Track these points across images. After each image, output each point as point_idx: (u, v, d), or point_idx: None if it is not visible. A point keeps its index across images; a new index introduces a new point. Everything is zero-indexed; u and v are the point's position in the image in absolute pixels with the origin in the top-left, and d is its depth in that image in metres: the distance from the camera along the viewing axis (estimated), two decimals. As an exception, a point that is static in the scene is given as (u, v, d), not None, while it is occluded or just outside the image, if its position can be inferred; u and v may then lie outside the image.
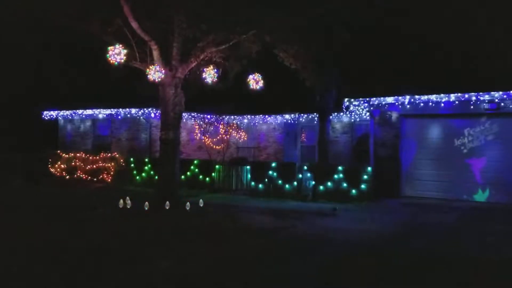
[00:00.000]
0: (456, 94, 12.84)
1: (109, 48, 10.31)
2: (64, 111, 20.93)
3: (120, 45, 10.32)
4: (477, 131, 13.07)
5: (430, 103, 13.33)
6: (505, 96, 12.38)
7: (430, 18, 13.80)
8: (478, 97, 12.65)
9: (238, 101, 18.82)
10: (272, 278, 6.00)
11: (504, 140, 12.77)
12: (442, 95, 13.00)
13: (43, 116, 21.71)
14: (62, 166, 19.02)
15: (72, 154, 19.03)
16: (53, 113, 21.44)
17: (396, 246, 7.83)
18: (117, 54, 10.23)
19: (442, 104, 13.17)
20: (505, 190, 12.59)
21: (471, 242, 8.20)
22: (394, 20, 14.02)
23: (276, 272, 6.26)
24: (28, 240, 7.96)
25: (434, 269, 6.42)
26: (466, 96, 12.74)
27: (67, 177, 18.69)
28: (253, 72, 11.47)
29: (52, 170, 19.28)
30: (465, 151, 13.22)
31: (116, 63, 10.29)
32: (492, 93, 12.44)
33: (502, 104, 12.56)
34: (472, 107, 12.88)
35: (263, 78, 11.54)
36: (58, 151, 19.75)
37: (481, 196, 12.86)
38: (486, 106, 12.73)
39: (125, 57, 10.36)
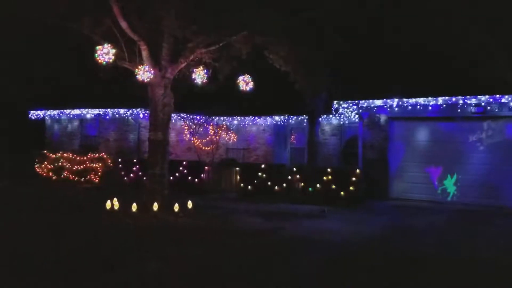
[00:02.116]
0: (443, 98, 12.97)
1: (98, 47, 10.21)
2: (51, 110, 20.73)
3: (109, 45, 10.23)
4: (463, 134, 13.24)
5: (418, 106, 13.44)
6: (491, 100, 12.53)
7: (419, 22, 13.92)
8: (465, 100, 12.79)
9: (228, 102, 18.80)
10: (260, 279, 6.00)
11: (489, 143, 12.93)
12: (430, 98, 13.12)
13: (29, 115, 21.48)
14: (49, 166, 18.82)
15: (59, 154, 18.83)
16: (40, 113, 21.22)
17: (383, 247, 7.88)
18: (105, 53, 10.12)
19: (430, 107, 13.29)
20: (491, 193, 12.73)
21: (456, 243, 8.29)
22: (383, 24, 14.12)
23: (264, 273, 6.26)
24: (8, 243, 7.86)
25: (418, 270, 6.47)
26: (454, 99, 12.87)
27: (54, 177, 18.49)
28: (243, 74, 11.47)
29: (38, 170, 19.06)
30: (452, 155, 13.36)
31: (104, 62, 10.22)
32: (479, 96, 12.59)
33: (489, 108, 12.72)
34: (459, 110, 13.01)
35: (253, 80, 11.55)
36: (45, 151, 19.53)
37: (466, 198, 12.98)
38: (473, 109, 12.88)
39: (113, 57, 10.28)
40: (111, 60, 10.22)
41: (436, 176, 13.54)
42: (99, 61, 10.18)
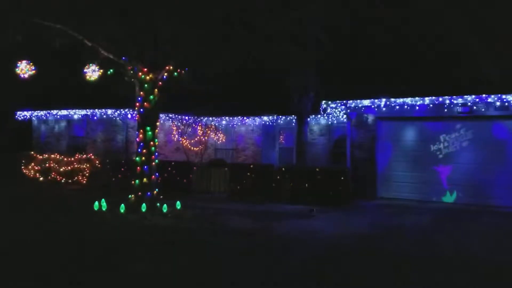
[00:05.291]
0: (430, 98, 13.08)
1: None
2: (38, 111, 20.54)
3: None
4: (452, 136, 13.37)
5: (406, 106, 13.55)
6: (477, 100, 12.67)
7: (406, 23, 14.04)
8: (452, 100, 12.92)
9: (216, 102, 18.79)
10: (246, 278, 6.01)
11: (475, 143, 13.07)
12: (417, 98, 13.22)
13: (16, 116, 21.26)
14: (36, 167, 18.63)
15: (46, 155, 18.66)
16: (27, 113, 21.02)
17: (370, 247, 7.93)
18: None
19: (417, 107, 13.40)
20: (475, 192, 12.87)
21: (442, 242, 8.37)
22: (371, 25, 14.21)
23: (250, 272, 6.27)
24: None
25: (404, 269, 6.53)
26: (440, 99, 12.99)
27: (41, 178, 18.31)
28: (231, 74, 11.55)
29: (25, 171, 18.87)
30: (439, 155, 13.49)
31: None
32: (465, 96, 12.71)
33: (475, 107, 12.86)
34: (446, 110, 13.14)
35: (242, 80, 11.63)
36: (32, 152, 19.35)
37: (453, 198, 13.12)
38: (459, 109, 13.02)
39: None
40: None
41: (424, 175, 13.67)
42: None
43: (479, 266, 6.76)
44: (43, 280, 5.83)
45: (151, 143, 11.28)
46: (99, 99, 17.98)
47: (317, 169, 13.33)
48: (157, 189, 11.39)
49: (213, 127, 20.02)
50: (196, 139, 19.65)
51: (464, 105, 12.93)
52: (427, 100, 13.15)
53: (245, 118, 20.55)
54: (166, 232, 8.93)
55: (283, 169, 13.74)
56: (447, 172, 13.35)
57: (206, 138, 19.48)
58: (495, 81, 12.17)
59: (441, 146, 13.48)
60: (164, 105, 11.84)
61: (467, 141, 13.18)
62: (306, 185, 13.19)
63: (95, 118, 19.14)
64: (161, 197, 11.41)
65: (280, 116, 19.64)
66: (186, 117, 19.59)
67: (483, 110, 12.80)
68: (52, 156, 18.54)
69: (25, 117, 21.19)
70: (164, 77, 11.44)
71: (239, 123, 21.08)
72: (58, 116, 20.24)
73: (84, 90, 17.53)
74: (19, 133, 22.70)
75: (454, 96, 12.81)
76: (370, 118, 14.27)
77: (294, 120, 18.09)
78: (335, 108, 15.06)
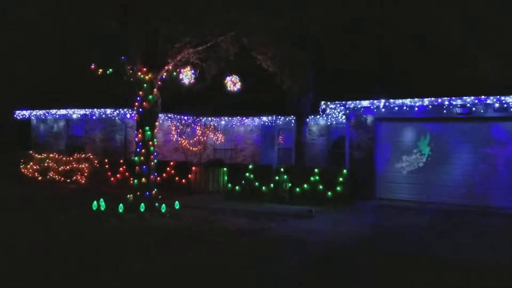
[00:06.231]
0: (429, 98, 13.07)
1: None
2: (37, 110, 20.52)
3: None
4: (449, 135, 13.38)
5: (405, 107, 13.54)
6: (476, 101, 12.67)
7: (405, 24, 14.05)
8: (451, 101, 12.92)
9: (215, 102, 18.77)
10: (245, 279, 6.00)
11: (474, 144, 13.07)
12: (416, 99, 13.22)
13: (15, 115, 21.23)
14: (35, 167, 18.61)
15: (45, 155, 18.64)
16: (26, 113, 20.99)
17: (368, 247, 7.93)
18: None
19: (416, 108, 13.40)
20: (476, 193, 12.87)
21: (440, 243, 8.37)
22: (370, 26, 14.22)
23: (249, 273, 6.26)
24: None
25: (403, 269, 6.52)
26: (439, 100, 12.99)
27: (40, 178, 18.30)
28: (230, 74, 11.49)
29: (24, 171, 18.84)
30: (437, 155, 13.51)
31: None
32: (464, 97, 12.71)
33: (474, 108, 12.86)
34: (445, 111, 13.13)
35: (241, 80, 11.59)
36: (31, 152, 19.33)
37: (451, 199, 13.10)
38: (458, 110, 13.01)
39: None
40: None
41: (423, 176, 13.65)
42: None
43: (478, 266, 6.76)
44: (41, 280, 5.82)
45: (150, 143, 11.27)
46: (98, 98, 17.97)
47: (316, 170, 13.33)
48: (155, 189, 11.38)
49: (212, 127, 20.00)
50: (195, 139, 19.63)
51: (463, 106, 12.93)
52: (426, 101, 13.14)
53: (244, 118, 20.54)
54: (165, 232, 8.91)
55: (282, 169, 13.72)
56: (447, 173, 13.33)
57: (205, 138, 19.46)
58: (494, 82, 12.17)
59: (441, 147, 13.48)
60: (163, 105, 11.82)
61: (466, 142, 13.18)
62: (305, 185, 13.18)
63: (94, 117, 19.12)
64: (160, 197, 11.40)
65: (279, 117, 19.63)
66: (185, 117, 19.57)
67: (482, 111, 12.80)
68: (51, 155, 18.52)
69: (24, 116, 21.16)
70: (163, 76, 11.43)
71: (238, 123, 21.07)
72: (57, 116, 20.21)
73: (83, 90, 17.52)
74: (18, 132, 22.67)
75: (453, 97, 12.81)
76: (369, 119, 14.26)
77: (293, 120, 18.09)
78: (334, 108, 15.05)
